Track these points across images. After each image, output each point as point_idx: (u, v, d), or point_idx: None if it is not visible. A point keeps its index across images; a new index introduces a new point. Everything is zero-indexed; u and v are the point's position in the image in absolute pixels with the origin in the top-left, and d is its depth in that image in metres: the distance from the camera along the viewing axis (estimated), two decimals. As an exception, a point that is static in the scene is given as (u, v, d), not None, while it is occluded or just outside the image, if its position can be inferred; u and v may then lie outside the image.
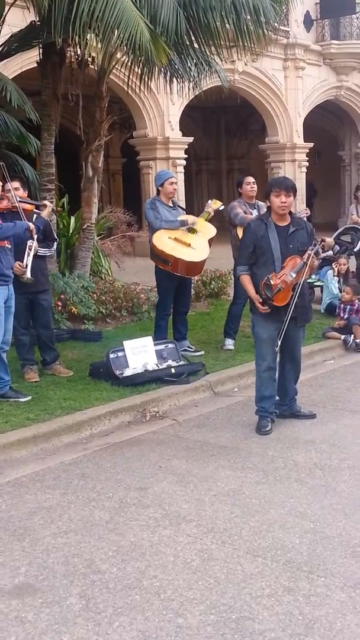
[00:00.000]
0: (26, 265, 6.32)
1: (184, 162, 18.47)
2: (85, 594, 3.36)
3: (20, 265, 6.30)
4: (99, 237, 11.44)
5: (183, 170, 18.43)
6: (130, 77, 9.34)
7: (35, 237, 6.39)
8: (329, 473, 4.76)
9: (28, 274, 6.41)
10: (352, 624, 3.09)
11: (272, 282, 5.35)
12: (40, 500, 4.44)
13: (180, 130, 18.42)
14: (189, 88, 9.97)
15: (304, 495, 4.42)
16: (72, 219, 10.86)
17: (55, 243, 7.34)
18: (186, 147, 18.59)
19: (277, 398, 5.82)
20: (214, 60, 10.05)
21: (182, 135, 18.46)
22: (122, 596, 3.33)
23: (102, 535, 3.94)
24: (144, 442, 5.49)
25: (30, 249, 6.44)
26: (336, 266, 9.84)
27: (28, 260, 6.33)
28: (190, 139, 18.75)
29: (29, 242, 6.33)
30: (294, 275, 5.39)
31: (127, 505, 4.32)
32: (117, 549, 3.78)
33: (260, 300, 5.47)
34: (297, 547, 3.76)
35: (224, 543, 3.82)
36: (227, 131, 27.39)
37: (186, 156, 18.62)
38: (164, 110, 17.63)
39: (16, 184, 6.65)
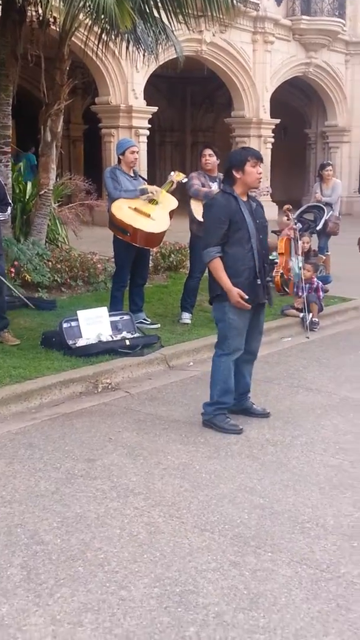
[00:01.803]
0: None
1: (147, 132, 18.21)
2: (26, 565, 3.27)
3: None
4: (57, 204, 11.22)
5: (146, 141, 18.17)
6: (93, 40, 9.11)
7: None
8: (281, 449, 4.73)
9: None
10: (297, 599, 3.06)
11: (288, 277, 5.06)
12: (-16, 469, 4.32)
13: (144, 99, 18.14)
14: (148, 58, 9.75)
15: (255, 470, 4.38)
16: (29, 184, 10.61)
17: (10, 208, 7.15)
18: (150, 116, 18.31)
19: None
20: (182, 29, 9.86)
21: (147, 105, 18.18)
22: (64, 568, 3.25)
23: (47, 506, 3.84)
24: (95, 413, 5.40)
25: None
26: (301, 244, 9.78)
27: None
28: (155, 109, 18.47)
29: None
30: (299, 259, 5.16)
31: (74, 477, 4.23)
32: (61, 520, 3.69)
33: (243, 295, 4.90)
34: (245, 522, 3.71)
35: (171, 517, 3.76)
36: (193, 103, 27.11)
37: (149, 126, 18.35)
38: (128, 78, 17.32)
39: None
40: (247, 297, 4.92)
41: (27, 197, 10.44)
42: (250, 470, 4.37)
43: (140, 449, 4.67)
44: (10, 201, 7.10)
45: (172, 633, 2.80)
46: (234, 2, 9.24)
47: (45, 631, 2.80)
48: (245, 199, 5.06)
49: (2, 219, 6.85)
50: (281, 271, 4.99)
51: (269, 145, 21.41)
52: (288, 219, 5.33)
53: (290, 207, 5.62)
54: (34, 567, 3.25)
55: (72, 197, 12.37)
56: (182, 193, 8.03)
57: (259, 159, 5.04)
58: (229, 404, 5.15)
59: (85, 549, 3.41)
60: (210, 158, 7.66)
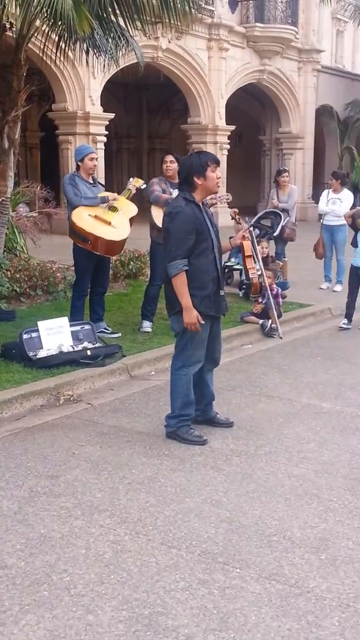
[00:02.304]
0: None
1: (105, 139, 18.11)
2: (-10, 591, 3.17)
3: None
4: (15, 213, 11.06)
5: (103, 147, 18.07)
6: (49, 46, 9.01)
7: None
8: (245, 460, 4.70)
9: None
10: (267, 617, 3.02)
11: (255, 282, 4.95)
12: None
13: (101, 105, 18.04)
14: (108, 63, 9.67)
15: (221, 482, 4.34)
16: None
17: None
18: (107, 123, 18.22)
19: None
20: (139, 35, 9.81)
21: (104, 111, 18.09)
22: (29, 592, 3.16)
23: (10, 527, 3.75)
24: (57, 427, 5.30)
25: None
26: (260, 250, 9.81)
27: None
28: (112, 115, 18.39)
29: None
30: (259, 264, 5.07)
31: (37, 495, 4.14)
32: (25, 542, 3.60)
33: (200, 321, 4.79)
34: (212, 537, 3.67)
35: (138, 534, 3.70)
36: (149, 110, 27.10)
37: (107, 133, 18.26)
38: (84, 84, 17.20)
39: None
40: (203, 322, 4.84)
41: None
42: (215, 483, 4.33)
43: (104, 463, 4.60)
44: None
45: (142, 658, 2.74)
46: (191, 8, 9.22)
47: (11, 661, 2.71)
48: (200, 204, 4.94)
49: None
50: (258, 273, 4.92)
51: (225, 152, 21.48)
52: (238, 223, 5.26)
53: (237, 210, 5.55)
54: (-2, 592, 3.16)
55: (30, 204, 12.24)
56: (141, 199, 7.98)
57: (217, 162, 4.96)
58: (192, 416, 5.09)
59: (50, 572, 3.33)
60: (171, 164, 7.63)
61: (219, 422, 5.35)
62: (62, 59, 9.57)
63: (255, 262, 4.96)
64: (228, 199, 9.11)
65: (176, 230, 4.80)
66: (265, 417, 5.56)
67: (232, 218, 5.29)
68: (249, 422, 5.43)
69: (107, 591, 3.18)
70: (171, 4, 8.72)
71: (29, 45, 9.81)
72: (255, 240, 5.07)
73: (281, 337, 6.84)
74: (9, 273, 8.96)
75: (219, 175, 4.95)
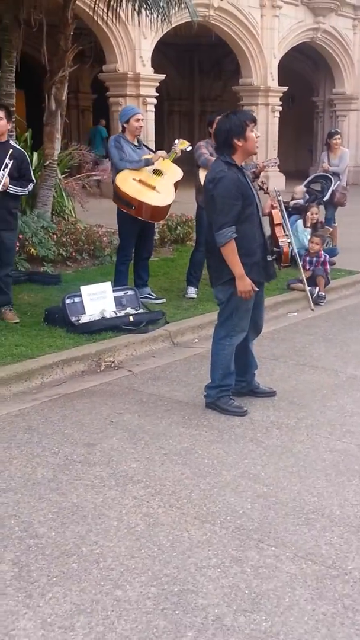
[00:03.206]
0: None
1: (155, 101, 17.82)
2: (19, 561, 3.14)
3: None
4: (64, 175, 10.98)
5: (154, 110, 17.80)
6: (99, 4, 8.82)
7: (7, 170, 6.06)
8: (285, 432, 4.57)
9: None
10: (301, 600, 2.91)
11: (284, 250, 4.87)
12: (-20, 454, 4.19)
13: (153, 67, 17.74)
14: (160, 21, 9.43)
15: (259, 456, 4.23)
16: (35, 155, 10.36)
17: (32, 184, 6.83)
18: (158, 84, 17.92)
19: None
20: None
21: (155, 73, 17.79)
22: (58, 564, 3.12)
23: (43, 495, 3.71)
24: (97, 394, 5.25)
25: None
26: (309, 216, 9.53)
27: None
28: (162, 77, 18.07)
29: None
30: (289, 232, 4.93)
31: (72, 463, 4.09)
32: (57, 511, 3.55)
33: (254, 288, 4.65)
34: (248, 513, 3.57)
35: (171, 507, 3.62)
36: (201, 71, 26.55)
37: (157, 94, 17.97)
38: (135, 44, 16.91)
39: (1, 114, 6.24)
40: (257, 289, 4.70)
41: (32, 168, 10.18)
42: (254, 456, 4.22)
43: (141, 433, 4.53)
44: (32, 178, 6.81)
45: (169, 639, 2.66)
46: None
47: (34, 636, 2.66)
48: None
49: (20, 194, 6.60)
50: (289, 240, 4.73)
51: (277, 114, 20.99)
52: (266, 192, 5.06)
53: (264, 180, 5.36)
54: (26, 563, 3.11)
55: (80, 168, 12.13)
56: (188, 163, 7.79)
57: (254, 121, 4.74)
58: (232, 386, 4.97)
59: (80, 543, 3.27)
60: None
61: (261, 392, 5.22)
62: (112, 18, 9.37)
63: (284, 231, 4.76)
64: (276, 162, 8.85)
65: (222, 196, 4.58)
66: (308, 388, 5.40)
67: (260, 188, 5.09)
68: (291, 393, 5.29)
69: (137, 566, 3.11)
70: None
71: (79, 4, 9.66)
72: (284, 208, 4.87)
73: (312, 309, 6.74)
74: (55, 237, 8.90)
75: (257, 134, 4.74)
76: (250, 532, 3.40)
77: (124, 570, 3.08)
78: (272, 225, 4.88)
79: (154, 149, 8.81)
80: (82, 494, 3.73)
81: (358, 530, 3.44)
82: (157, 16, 8.99)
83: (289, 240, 4.64)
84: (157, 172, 7.26)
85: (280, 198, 5.17)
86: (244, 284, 4.62)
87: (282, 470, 4.05)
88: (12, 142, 6.32)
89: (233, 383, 4.98)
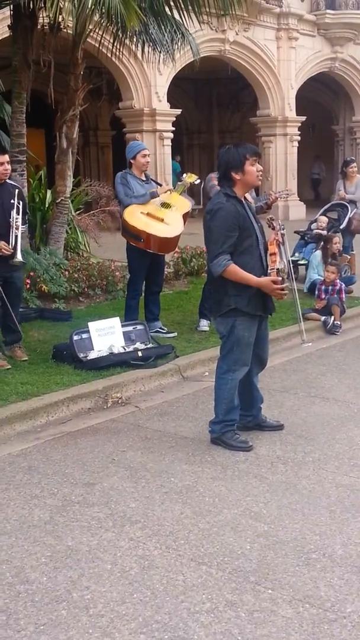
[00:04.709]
0: (14, 246, 6.02)
1: (171, 135, 17.99)
2: (7, 608, 3.05)
3: (6, 247, 5.98)
4: (77, 212, 11.05)
5: (170, 144, 17.95)
6: (104, 43, 8.93)
7: (20, 213, 6.12)
8: (291, 467, 4.45)
9: (19, 256, 6.10)
10: (296, 646, 2.79)
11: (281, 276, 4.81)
12: (-22, 496, 4.13)
13: (171, 102, 17.94)
14: (167, 58, 9.52)
15: (262, 492, 4.11)
16: (49, 192, 10.46)
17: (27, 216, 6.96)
18: (174, 119, 18.09)
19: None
20: (205, 28, 9.64)
21: (173, 107, 17.96)
22: (47, 611, 3.02)
23: (38, 538, 3.63)
24: (101, 431, 5.18)
25: (17, 228, 6.12)
26: (332, 247, 9.35)
27: (16, 240, 6.04)
28: (178, 111, 18.26)
29: (15, 217, 6.03)
30: (284, 262, 4.89)
31: (70, 504, 4.01)
32: (51, 555, 3.47)
33: (279, 284, 4.58)
34: (246, 554, 3.45)
35: (168, 548, 3.51)
36: (219, 104, 26.78)
37: (174, 129, 18.12)
38: (150, 81, 17.12)
39: (6, 158, 6.29)
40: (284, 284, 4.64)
41: (46, 206, 10.29)
42: (256, 493, 4.10)
43: (143, 471, 4.44)
44: (27, 210, 6.88)
45: None
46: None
47: None
48: (242, 198, 4.72)
49: (23, 230, 6.63)
50: (278, 267, 4.68)
51: (295, 144, 21.05)
52: (273, 228, 5.03)
53: (273, 217, 5.34)
54: (15, 610, 3.03)
55: (93, 203, 12.21)
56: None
57: (257, 155, 4.70)
58: (236, 420, 4.87)
59: (71, 589, 3.18)
60: None
61: (268, 425, 5.12)
62: (127, 56, 9.51)
63: (279, 258, 4.72)
64: (288, 194, 8.80)
65: (217, 227, 4.58)
66: (318, 420, 5.28)
67: (269, 226, 5.08)
68: (300, 426, 5.17)
69: (128, 612, 3.01)
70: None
71: (90, 41, 9.77)
72: (286, 242, 4.85)
73: (307, 343, 6.77)
74: (67, 273, 8.91)
75: (259, 168, 4.70)
76: (247, 573, 3.28)
77: (114, 617, 2.97)
78: (268, 254, 4.83)
79: (171, 183, 8.81)
80: (77, 537, 3.64)
81: (359, 570, 3.31)
82: (161, 53, 9.08)
83: (278, 267, 4.58)
84: (165, 205, 7.26)
85: (283, 232, 5.12)
86: (267, 287, 4.58)
87: (285, 507, 3.93)
88: (8, 181, 6.34)
89: (237, 418, 4.88)
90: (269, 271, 4.62)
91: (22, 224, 6.37)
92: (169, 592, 3.14)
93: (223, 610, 3.02)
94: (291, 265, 5.09)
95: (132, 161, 7.39)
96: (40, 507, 3.98)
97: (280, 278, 4.57)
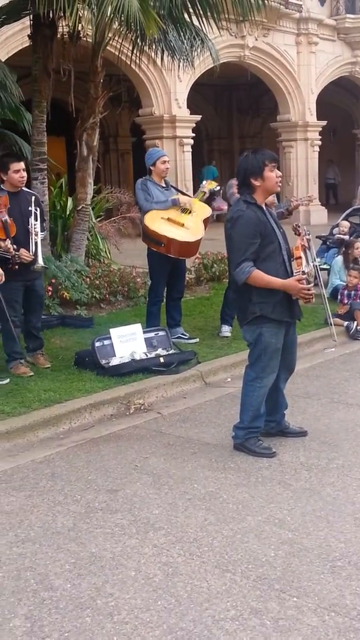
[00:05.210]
0: (35, 252, 6.06)
1: (191, 142, 18.01)
2: (31, 615, 3.05)
3: (26, 254, 6.02)
4: (99, 219, 11.09)
5: (190, 150, 17.97)
6: (124, 50, 8.98)
7: (39, 220, 6.17)
8: (315, 474, 4.41)
9: (40, 262, 6.14)
10: (322, 655, 2.76)
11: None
12: (2, 503, 4.14)
13: (191, 108, 17.97)
14: (186, 65, 9.55)
15: (286, 499, 4.08)
16: (70, 200, 10.51)
17: (45, 223, 7.02)
18: (194, 125, 18.12)
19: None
20: (225, 34, 9.66)
21: (193, 113, 17.98)
22: (71, 618, 3.02)
23: (62, 545, 3.63)
24: (123, 437, 5.18)
25: (36, 235, 6.16)
26: (353, 252, 9.29)
27: (36, 246, 6.07)
28: (198, 117, 18.29)
29: (33, 224, 6.07)
30: (310, 266, 4.86)
31: (93, 510, 4.01)
32: (75, 562, 3.47)
33: (306, 286, 4.55)
34: (271, 561, 3.43)
35: (192, 555, 3.50)
36: (239, 109, 26.79)
37: (194, 135, 18.16)
38: (170, 87, 17.18)
39: (22, 165, 6.32)
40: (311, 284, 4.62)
41: (68, 212, 10.34)
42: (280, 499, 4.08)
43: (166, 477, 4.43)
44: (45, 217, 6.94)
45: None
46: (268, 2, 8.98)
47: None
48: (263, 205, 4.70)
49: (43, 237, 6.69)
50: (303, 270, 4.66)
51: (316, 148, 20.99)
52: (299, 234, 5.02)
53: (298, 224, 5.33)
54: (39, 617, 3.03)
55: (114, 210, 12.25)
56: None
57: (275, 160, 4.68)
58: (261, 428, 4.84)
59: (95, 595, 3.17)
60: None
61: (292, 432, 5.08)
62: (141, 61, 9.53)
63: (305, 262, 4.70)
64: (310, 200, 8.77)
65: (239, 235, 4.58)
66: (341, 427, 5.24)
67: (295, 232, 5.08)
68: (323, 432, 5.13)
69: (152, 619, 3.00)
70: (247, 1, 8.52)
71: (110, 49, 9.82)
72: (312, 247, 4.84)
73: (330, 348, 6.70)
74: (88, 280, 8.94)
75: (278, 174, 4.68)
76: (272, 581, 3.26)
77: (139, 624, 2.97)
78: (294, 258, 4.79)
79: (191, 189, 8.82)
80: (101, 543, 3.64)
81: (387, 578, 3.27)
82: (180, 60, 9.10)
83: (303, 270, 4.55)
84: (185, 211, 7.26)
85: (309, 237, 5.11)
86: (291, 288, 4.56)
87: (309, 514, 3.90)
88: (24, 188, 6.40)
89: (262, 425, 4.86)
90: (294, 274, 4.59)
91: (41, 231, 6.41)
92: (193, 599, 3.13)
93: (248, 617, 3.00)
94: (318, 271, 5.06)
95: (151, 168, 7.40)
96: (64, 513, 3.98)
97: (304, 277, 4.54)
